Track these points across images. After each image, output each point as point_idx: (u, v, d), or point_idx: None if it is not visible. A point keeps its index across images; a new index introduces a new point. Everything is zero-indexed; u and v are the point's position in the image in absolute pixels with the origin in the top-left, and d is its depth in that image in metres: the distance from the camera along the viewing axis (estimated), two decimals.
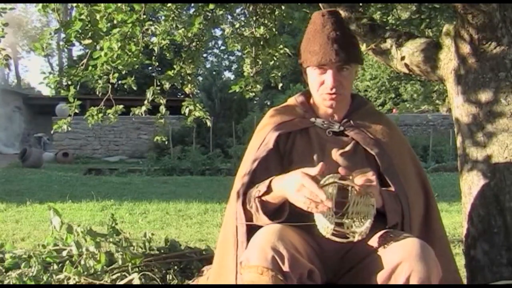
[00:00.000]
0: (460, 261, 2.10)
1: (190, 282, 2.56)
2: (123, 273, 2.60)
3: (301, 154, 1.68)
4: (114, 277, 2.59)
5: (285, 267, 1.39)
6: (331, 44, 1.59)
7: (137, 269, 2.60)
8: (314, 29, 1.65)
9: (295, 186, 1.41)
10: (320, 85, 1.64)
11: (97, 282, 2.52)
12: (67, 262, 2.64)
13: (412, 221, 1.65)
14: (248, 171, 1.63)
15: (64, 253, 2.75)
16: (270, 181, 1.53)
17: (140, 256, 2.69)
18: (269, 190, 1.53)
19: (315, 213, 1.43)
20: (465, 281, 2.01)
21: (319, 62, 1.60)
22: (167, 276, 2.67)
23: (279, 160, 1.70)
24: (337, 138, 1.69)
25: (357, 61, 1.68)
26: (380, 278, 1.44)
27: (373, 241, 1.52)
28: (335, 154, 1.66)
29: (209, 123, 3.72)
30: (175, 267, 2.78)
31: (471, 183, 2.04)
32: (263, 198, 1.54)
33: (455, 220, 5.05)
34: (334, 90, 1.62)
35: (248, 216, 1.59)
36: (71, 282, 2.52)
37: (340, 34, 1.61)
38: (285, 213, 1.54)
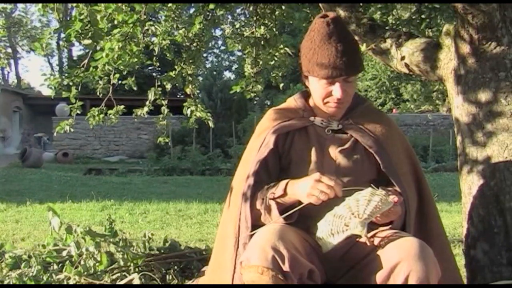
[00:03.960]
0: (460, 261, 2.10)
1: (190, 282, 2.56)
2: (123, 273, 2.60)
3: (299, 153, 1.69)
4: (114, 277, 2.59)
5: (286, 267, 1.40)
6: (341, 57, 1.56)
7: (137, 269, 2.60)
8: (319, 39, 1.60)
9: (311, 183, 1.47)
10: (327, 95, 1.64)
11: (97, 282, 2.52)
12: (67, 262, 2.64)
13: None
14: (252, 173, 1.65)
15: (64, 253, 2.75)
16: (286, 184, 1.57)
17: (140, 256, 2.69)
18: (284, 193, 1.56)
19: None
20: (465, 281, 2.01)
21: (328, 76, 1.59)
22: (167, 276, 2.67)
23: (277, 159, 1.71)
24: (336, 136, 1.70)
25: (362, 68, 1.69)
26: (379, 278, 1.45)
27: (373, 241, 1.52)
28: (334, 151, 1.67)
29: (211, 124, 3.72)
30: (175, 267, 2.78)
31: (471, 183, 2.04)
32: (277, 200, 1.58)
33: (455, 220, 5.05)
34: (341, 101, 1.64)
35: (254, 218, 1.61)
36: (71, 282, 2.52)
37: (347, 45, 1.59)
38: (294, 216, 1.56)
